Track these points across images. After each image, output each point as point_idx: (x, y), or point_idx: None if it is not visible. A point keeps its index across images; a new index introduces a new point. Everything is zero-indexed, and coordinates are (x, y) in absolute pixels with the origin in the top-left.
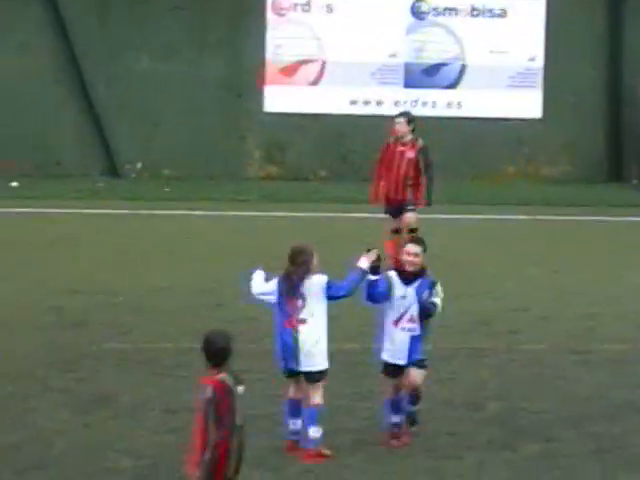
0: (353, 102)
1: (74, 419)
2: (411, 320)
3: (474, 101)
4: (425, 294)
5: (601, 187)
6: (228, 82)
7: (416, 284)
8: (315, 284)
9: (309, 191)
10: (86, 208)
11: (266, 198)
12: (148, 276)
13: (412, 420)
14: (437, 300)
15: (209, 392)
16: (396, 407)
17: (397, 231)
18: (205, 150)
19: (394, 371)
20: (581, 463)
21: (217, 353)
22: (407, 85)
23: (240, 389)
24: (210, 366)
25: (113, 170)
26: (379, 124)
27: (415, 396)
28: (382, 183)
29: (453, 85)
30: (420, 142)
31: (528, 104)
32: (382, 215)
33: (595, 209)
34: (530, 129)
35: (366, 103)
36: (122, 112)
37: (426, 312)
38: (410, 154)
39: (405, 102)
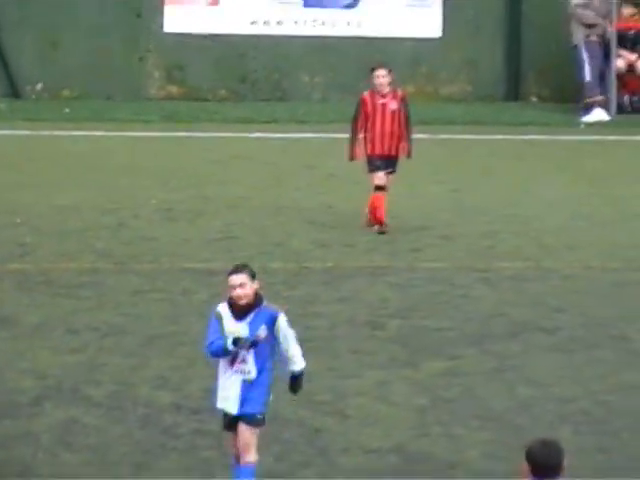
0: (253, 22)
1: None
2: (243, 361)
3: (374, 21)
4: (262, 330)
5: (501, 105)
6: (128, 1)
7: (249, 318)
8: None
9: (209, 111)
10: None
11: (166, 118)
12: (49, 196)
13: None
14: (296, 354)
15: None
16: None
17: (382, 188)
18: (105, 70)
19: (229, 422)
20: (482, 380)
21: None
22: (307, 5)
23: None
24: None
25: (14, 91)
26: (279, 44)
27: (243, 467)
28: (363, 137)
29: (352, 5)
30: (399, 91)
31: (427, 23)
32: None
33: (495, 127)
34: (429, 48)
35: (266, 23)
36: (21, 33)
37: (292, 386)
38: (393, 105)
39: (305, 22)
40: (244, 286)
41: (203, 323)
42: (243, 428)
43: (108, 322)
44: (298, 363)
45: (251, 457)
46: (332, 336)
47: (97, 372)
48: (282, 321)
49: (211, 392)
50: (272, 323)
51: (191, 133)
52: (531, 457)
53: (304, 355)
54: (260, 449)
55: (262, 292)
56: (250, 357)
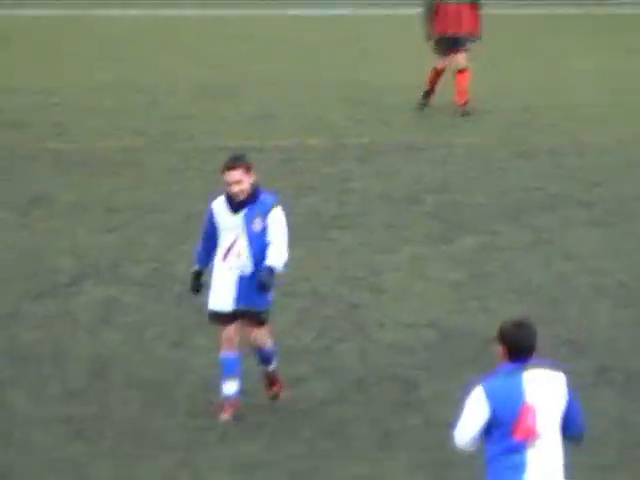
0: None
1: (11, 220)
2: (238, 255)
3: None
4: (257, 222)
5: None
6: None
7: (245, 210)
8: None
9: None
10: (18, 8)
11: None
12: (84, 77)
13: (271, 381)
14: (275, 250)
15: None
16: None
17: (442, 71)
18: None
19: (220, 319)
20: (519, 255)
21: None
22: None
23: None
24: None
25: None
26: None
27: (264, 353)
28: (436, 19)
29: None
30: None
31: None
32: None
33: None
34: None
35: None
36: None
37: (259, 282)
38: None
39: None
40: (241, 183)
41: None
42: (250, 330)
43: (145, 200)
44: (272, 259)
45: (268, 346)
46: (367, 211)
47: (135, 250)
48: (276, 213)
49: None
50: (267, 214)
51: (227, 11)
52: (505, 339)
53: (289, 247)
54: (300, 326)
55: (259, 181)
56: (245, 250)
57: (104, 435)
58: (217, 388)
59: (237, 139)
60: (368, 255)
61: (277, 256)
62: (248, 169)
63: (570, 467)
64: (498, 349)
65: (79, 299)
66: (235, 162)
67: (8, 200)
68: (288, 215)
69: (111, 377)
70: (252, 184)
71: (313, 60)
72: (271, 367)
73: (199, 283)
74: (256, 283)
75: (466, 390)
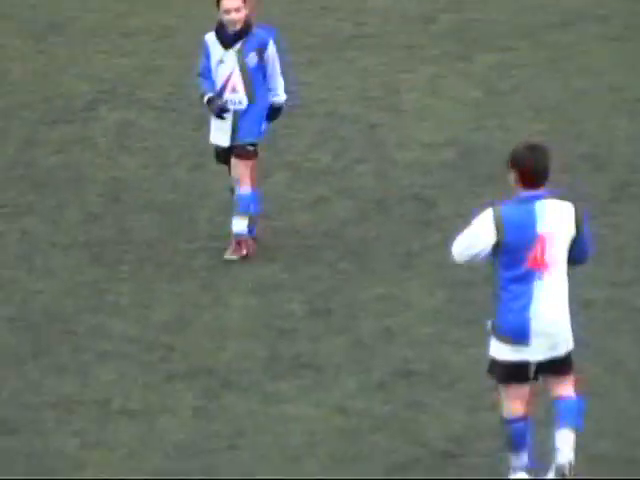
0: None
1: (28, 45)
2: (233, 90)
3: None
4: (251, 56)
5: None
6: None
7: (238, 45)
8: None
9: None
10: None
11: None
12: None
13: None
14: (278, 86)
15: None
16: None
17: None
18: None
19: (224, 156)
20: (536, 72)
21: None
22: None
23: None
24: None
25: None
26: None
27: (238, 197)
28: None
29: None
30: None
31: None
32: None
33: None
34: None
35: None
36: None
37: (269, 116)
38: None
39: None
40: (240, 10)
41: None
42: (235, 162)
43: (161, 24)
44: (279, 95)
45: (246, 188)
46: (384, 32)
47: (151, 75)
48: (271, 48)
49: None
50: (263, 49)
51: None
52: (518, 163)
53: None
54: (318, 146)
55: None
56: (240, 86)
57: (124, 260)
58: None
59: None
60: (385, 75)
61: (281, 90)
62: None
63: (588, 281)
64: (511, 174)
65: (96, 124)
66: None
67: (25, 27)
68: (305, 37)
69: (130, 201)
70: (247, 15)
71: None
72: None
73: (220, 104)
74: (267, 118)
75: (485, 208)
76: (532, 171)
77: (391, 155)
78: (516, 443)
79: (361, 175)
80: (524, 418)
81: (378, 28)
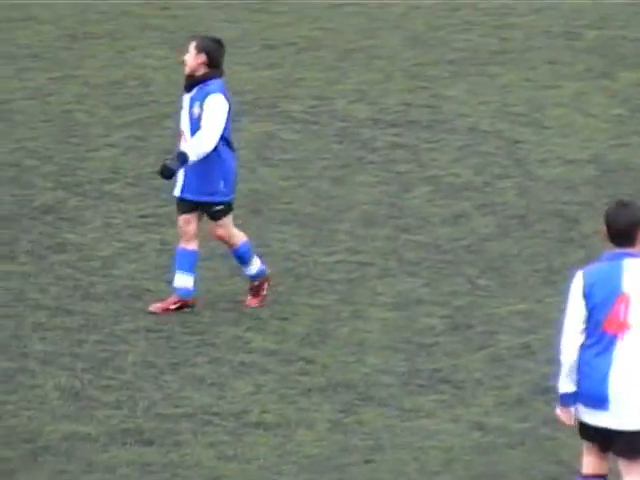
0: None
1: (171, 56)
2: (185, 139)
3: None
4: (196, 107)
5: None
6: None
7: (194, 92)
8: None
9: None
10: None
11: None
12: None
13: (254, 287)
14: (195, 140)
15: None
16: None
17: None
18: None
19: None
20: None
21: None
22: None
23: None
24: None
25: None
26: None
27: (237, 252)
28: None
29: None
30: None
31: None
32: None
33: None
34: None
35: None
36: None
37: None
38: None
39: None
40: (191, 54)
41: (400, 35)
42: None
43: (304, 36)
44: (188, 147)
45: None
46: (528, 47)
47: (294, 87)
48: (210, 101)
49: (407, 106)
50: (204, 100)
51: None
52: (606, 218)
53: None
54: (458, 161)
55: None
56: (187, 134)
57: None
58: (380, 224)
59: None
60: (529, 91)
61: (194, 146)
62: (201, 49)
63: None
64: (603, 230)
65: (237, 136)
66: (193, 38)
67: (168, 38)
68: (448, 51)
69: (270, 213)
70: (205, 66)
71: None
72: (250, 271)
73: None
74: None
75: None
76: (613, 227)
77: (533, 171)
78: None
79: (503, 191)
80: (596, 477)
81: (522, 43)
